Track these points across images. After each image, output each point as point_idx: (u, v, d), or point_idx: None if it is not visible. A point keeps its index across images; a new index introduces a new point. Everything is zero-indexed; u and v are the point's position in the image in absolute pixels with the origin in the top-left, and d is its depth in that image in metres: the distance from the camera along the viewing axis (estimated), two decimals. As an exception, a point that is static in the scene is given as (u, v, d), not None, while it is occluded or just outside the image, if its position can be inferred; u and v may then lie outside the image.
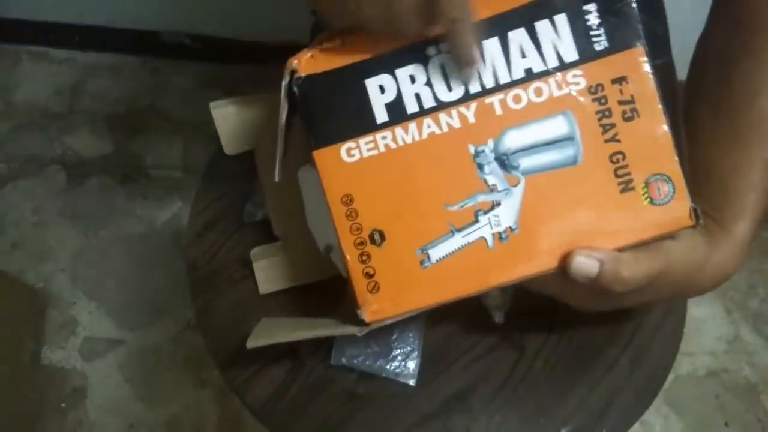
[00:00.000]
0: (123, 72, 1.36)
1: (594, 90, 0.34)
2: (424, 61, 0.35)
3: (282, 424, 0.46)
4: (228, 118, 0.47)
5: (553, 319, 0.49)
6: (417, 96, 0.35)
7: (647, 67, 0.34)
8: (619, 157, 0.35)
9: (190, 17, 1.26)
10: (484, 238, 0.35)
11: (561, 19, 0.34)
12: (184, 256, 0.53)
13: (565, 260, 0.34)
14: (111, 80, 1.35)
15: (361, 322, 0.36)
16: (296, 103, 0.36)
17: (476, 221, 0.35)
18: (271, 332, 0.38)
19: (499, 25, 0.35)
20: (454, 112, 0.35)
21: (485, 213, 0.35)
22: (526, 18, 0.35)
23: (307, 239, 0.46)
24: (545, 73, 0.35)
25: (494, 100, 0.35)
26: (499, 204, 0.35)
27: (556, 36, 0.34)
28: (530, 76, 0.35)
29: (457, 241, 0.35)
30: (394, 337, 0.48)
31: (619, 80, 0.34)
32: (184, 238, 0.54)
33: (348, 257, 0.36)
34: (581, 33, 0.34)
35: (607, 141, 0.35)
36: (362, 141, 0.36)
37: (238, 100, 0.48)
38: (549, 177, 0.35)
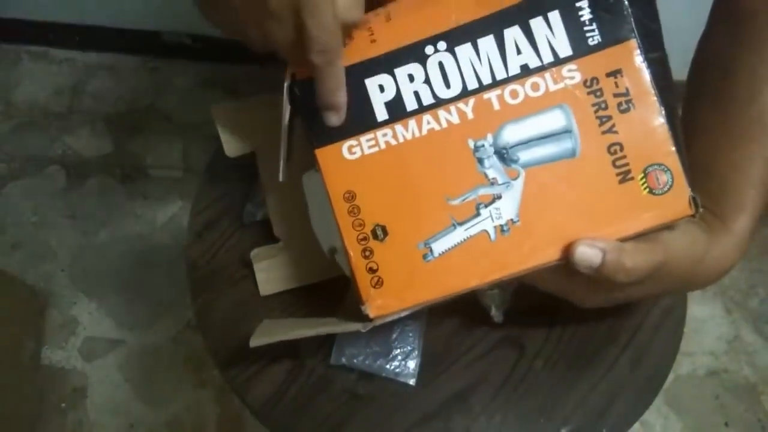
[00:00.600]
0: (123, 72, 1.36)
1: (589, 83, 0.35)
2: (422, 60, 0.36)
3: (282, 424, 0.46)
4: (229, 120, 0.47)
5: (553, 318, 0.49)
6: (416, 94, 0.36)
7: (641, 60, 0.35)
8: (617, 148, 0.35)
9: (190, 17, 1.26)
10: (486, 231, 0.36)
11: (554, 16, 0.35)
12: (184, 256, 0.53)
13: (567, 251, 0.35)
14: (111, 80, 1.35)
15: (364, 318, 0.37)
16: (298, 104, 0.37)
17: (478, 214, 0.36)
18: (273, 331, 0.39)
19: (495, 24, 0.35)
20: (452, 108, 0.36)
21: (486, 206, 0.36)
22: (520, 16, 0.35)
23: (307, 240, 0.46)
24: (541, 69, 0.35)
25: (492, 95, 0.36)
26: (500, 197, 0.36)
27: (550, 32, 0.35)
28: (526, 71, 0.36)
29: (459, 235, 0.36)
30: (394, 336, 0.48)
31: (614, 73, 0.35)
32: (184, 238, 0.54)
33: (351, 253, 0.36)
34: (575, 29, 0.35)
35: (604, 133, 0.35)
36: (363, 138, 0.36)
37: (240, 102, 0.48)
38: (549, 169, 0.35)
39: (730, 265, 0.38)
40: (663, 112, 0.35)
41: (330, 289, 0.48)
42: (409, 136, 0.36)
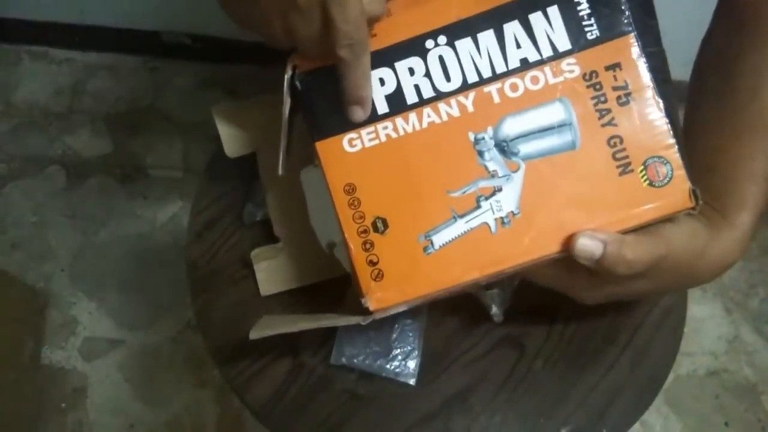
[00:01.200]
0: (123, 72, 1.36)
1: (588, 77, 0.35)
2: (422, 53, 0.36)
3: (282, 424, 0.46)
4: (229, 120, 0.47)
5: (553, 317, 0.49)
6: (416, 87, 0.36)
7: (639, 54, 0.35)
8: (617, 140, 0.35)
9: (190, 17, 1.26)
10: (486, 223, 0.36)
11: (553, 11, 0.36)
12: (184, 256, 0.53)
13: (568, 243, 0.35)
14: (111, 80, 1.35)
15: (365, 312, 0.37)
16: (298, 97, 0.37)
17: (478, 207, 0.36)
18: (273, 325, 0.38)
19: (494, 18, 0.36)
20: (453, 101, 0.36)
21: (487, 198, 0.36)
22: (519, 11, 0.36)
23: (308, 240, 0.46)
24: (540, 63, 0.36)
25: (492, 89, 0.36)
26: (500, 189, 0.36)
27: (549, 27, 0.36)
28: (526, 65, 0.36)
29: (459, 227, 0.36)
30: (394, 336, 0.48)
31: (613, 67, 0.35)
32: (184, 238, 0.54)
33: (351, 246, 0.37)
34: (573, 23, 0.36)
35: (603, 125, 0.35)
36: (364, 131, 0.37)
37: (240, 102, 0.48)
38: (549, 162, 0.36)
39: (731, 260, 0.38)
40: (662, 105, 0.35)
41: (330, 289, 0.48)
42: (409, 129, 0.36)
